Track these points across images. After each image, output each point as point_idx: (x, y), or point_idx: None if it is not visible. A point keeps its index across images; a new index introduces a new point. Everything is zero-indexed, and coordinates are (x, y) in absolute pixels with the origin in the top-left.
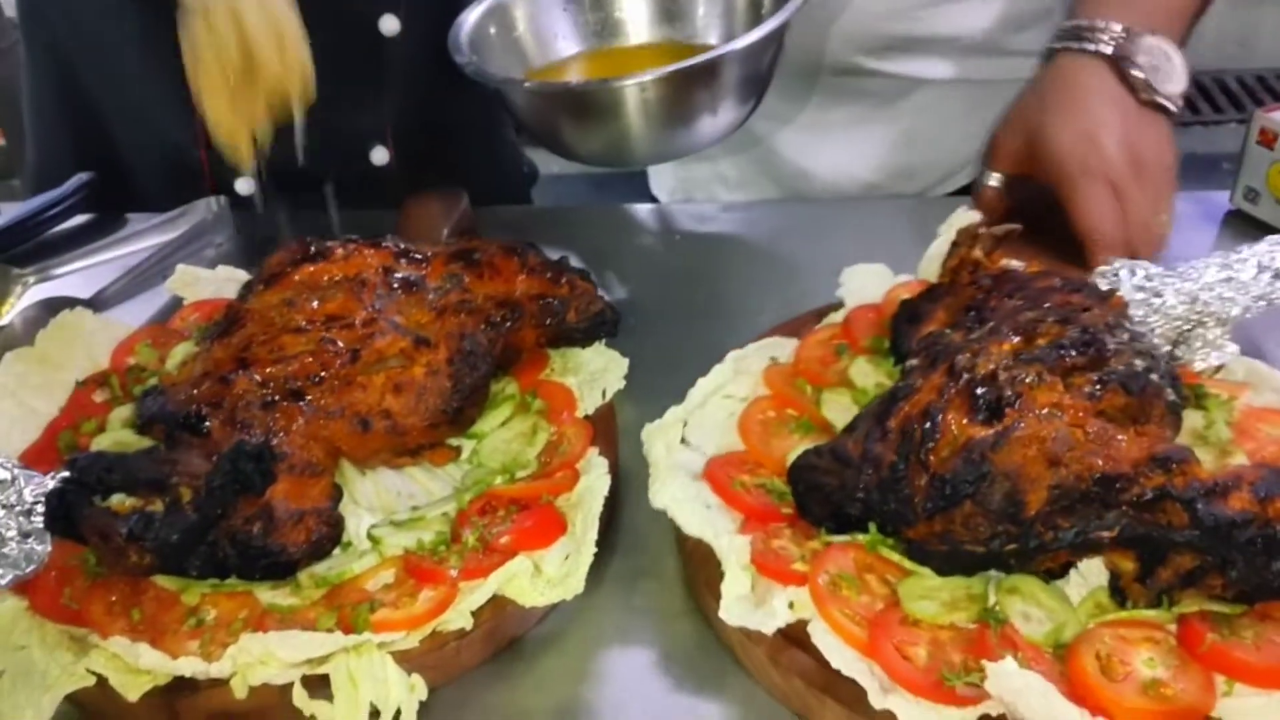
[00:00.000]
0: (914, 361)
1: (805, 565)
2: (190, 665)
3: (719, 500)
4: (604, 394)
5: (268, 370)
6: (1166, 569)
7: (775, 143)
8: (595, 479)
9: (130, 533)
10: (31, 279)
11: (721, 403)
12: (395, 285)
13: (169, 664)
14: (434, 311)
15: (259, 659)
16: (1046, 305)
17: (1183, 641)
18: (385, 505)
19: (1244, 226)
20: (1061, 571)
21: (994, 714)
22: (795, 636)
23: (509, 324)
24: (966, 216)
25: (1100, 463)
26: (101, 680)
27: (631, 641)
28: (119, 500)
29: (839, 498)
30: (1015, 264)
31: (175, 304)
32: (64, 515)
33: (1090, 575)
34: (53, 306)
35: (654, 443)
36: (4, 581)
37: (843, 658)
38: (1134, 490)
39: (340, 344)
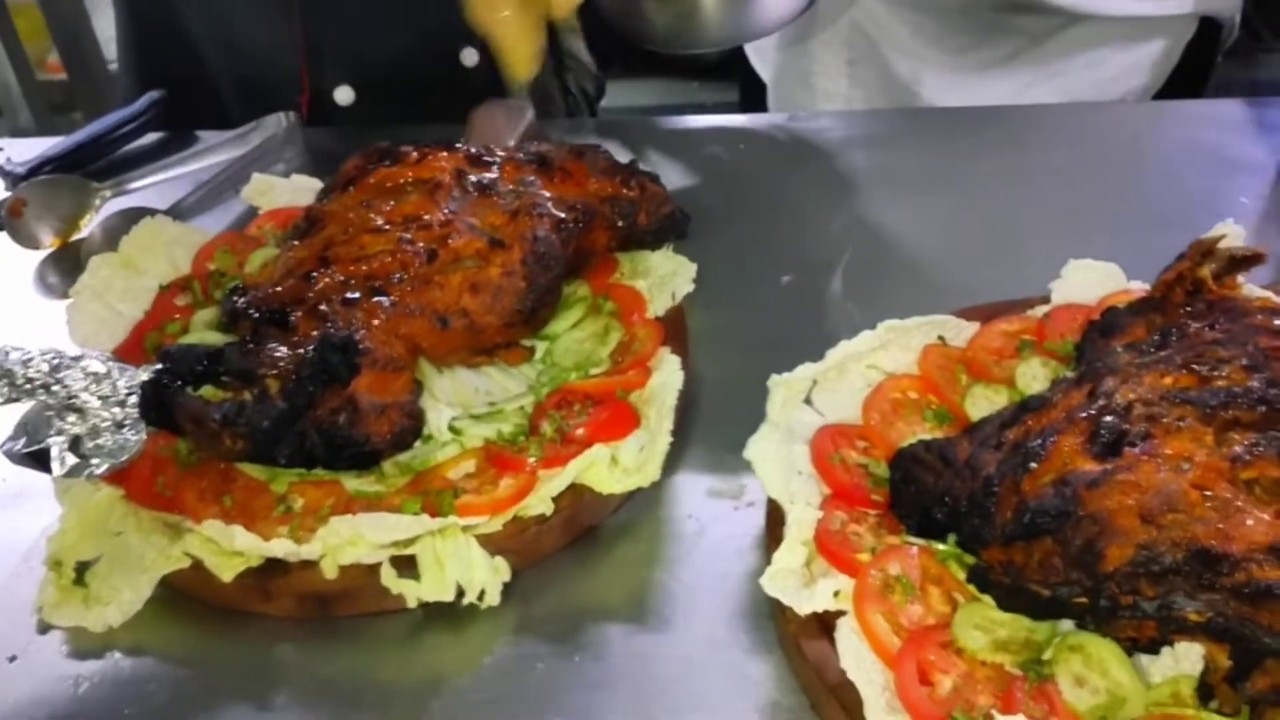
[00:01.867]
0: (1070, 375)
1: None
2: (282, 547)
3: (813, 469)
4: (674, 297)
5: (349, 268)
6: (1263, 677)
7: (920, 85)
8: (668, 374)
9: (224, 418)
10: (108, 193)
11: (864, 372)
12: (469, 188)
13: (262, 545)
14: (507, 214)
15: (348, 540)
16: (1245, 345)
17: None
18: (464, 401)
19: None
20: (1151, 647)
21: None
22: (829, 626)
23: (580, 226)
24: (1231, 229)
25: (1203, 535)
26: (196, 563)
27: (704, 530)
28: (209, 391)
29: (929, 498)
30: (1256, 293)
31: (251, 213)
32: (158, 404)
33: (1184, 661)
34: (132, 216)
35: (774, 395)
36: (101, 470)
37: (857, 661)
38: (1238, 576)
39: (418, 244)
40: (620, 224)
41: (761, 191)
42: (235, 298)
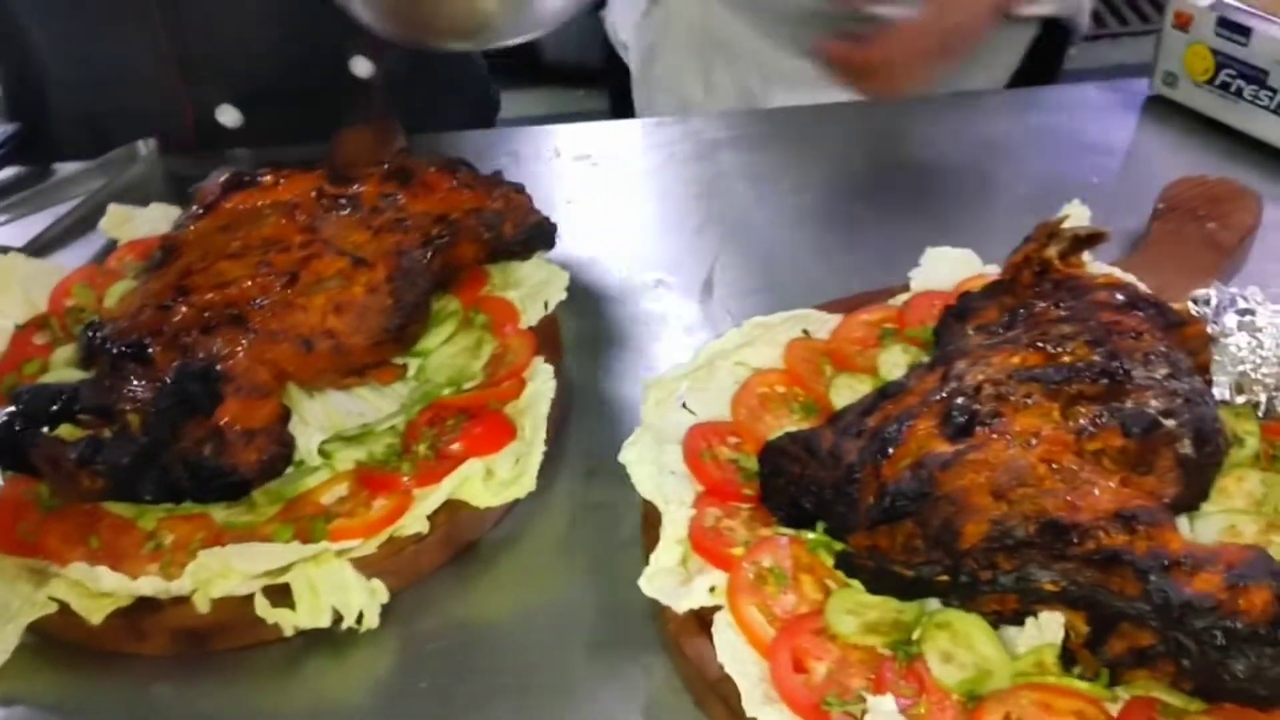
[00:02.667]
0: (926, 360)
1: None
2: (151, 584)
3: (686, 468)
4: (546, 306)
5: (207, 296)
6: (1120, 641)
7: (771, 90)
8: (542, 384)
9: (80, 458)
10: None
11: (732, 369)
12: (330, 208)
13: (129, 585)
14: (370, 231)
15: (218, 573)
16: (1087, 321)
17: None
18: (335, 424)
19: (1165, 112)
20: (1015, 619)
21: None
22: (708, 622)
23: (446, 240)
24: (1077, 210)
25: (1052, 506)
26: (64, 607)
27: (586, 540)
28: (69, 431)
29: (797, 489)
30: (1102, 270)
31: (111, 246)
32: (12, 447)
33: (1047, 631)
34: None
35: (647, 397)
36: None
37: (732, 655)
38: (1087, 545)
39: (278, 267)
40: (487, 236)
41: (630, 196)
42: (91, 333)
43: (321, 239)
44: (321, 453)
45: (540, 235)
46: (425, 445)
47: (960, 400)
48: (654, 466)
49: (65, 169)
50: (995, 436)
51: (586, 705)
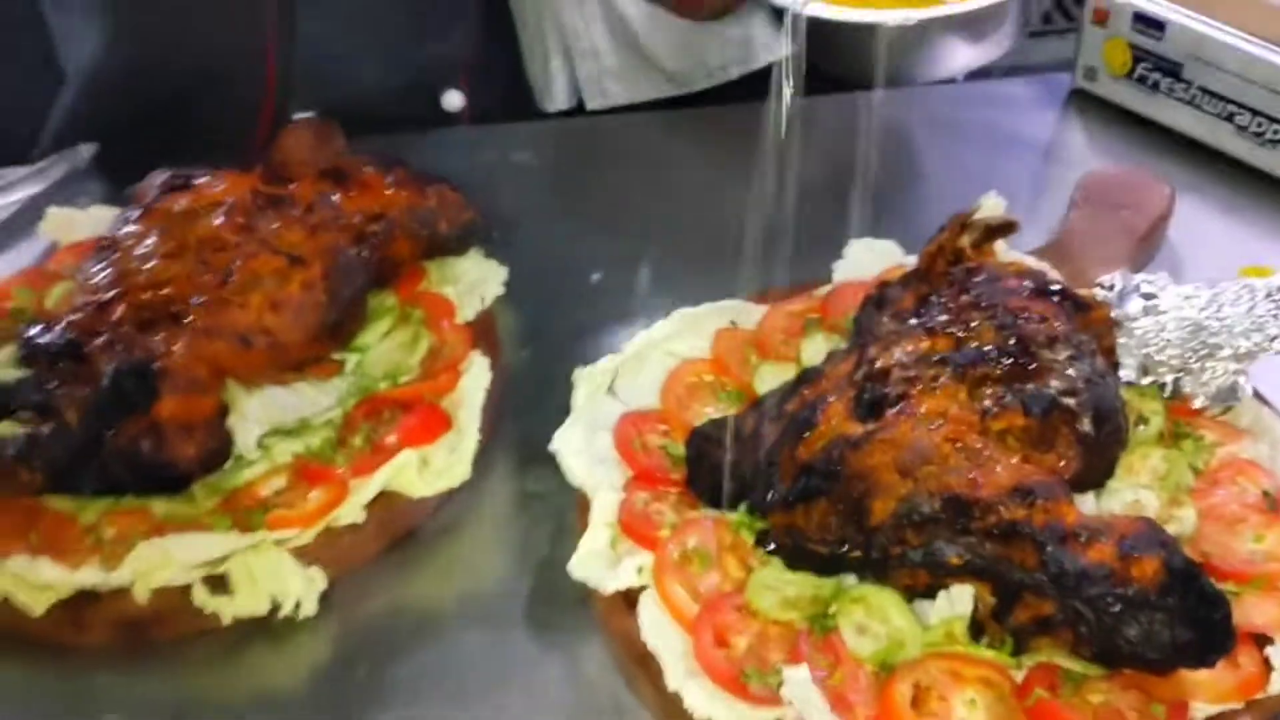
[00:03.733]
0: (842, 348)
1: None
2: (91, 576)
3: (616, 455)
4: (483, 300)
5: (144, 296)
6: (1024, 611)
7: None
8: (477, 376)
9: (17, 454)
10: None
11: (662, 359)
12: (265, 207)
13: (70, 576)
14: (306, 230)
15: (157, 564)
16: (996, 306)
17: (1018, 692)
18: (274, 419)
19: (1086, 105)
20: (928, 593)
21: None
22: (635, 602)
23: (381, 237)
24: (992, 203)
25: (955, 483)
26: (5, 600)
27: (523, 528)
28: (9, 428)
29: (721, 472)
30: (1013, 258)
31: (51, 249)
32: None
33: (959, 603)
34: None
35: (579, 387)
36: None
37: (658, 633)
38: (989, 520)
39: (215, 266)
40: (422, 233)
41: (568, 193)
42: (28, 335)
43: (258, 238)
44: (260, 446)
45: (475, 231)
46: (361, 437)
47: (871, 384)
48: (586, 455)
49: (2, 173)
50: (903, 418)
51: (522, 687)
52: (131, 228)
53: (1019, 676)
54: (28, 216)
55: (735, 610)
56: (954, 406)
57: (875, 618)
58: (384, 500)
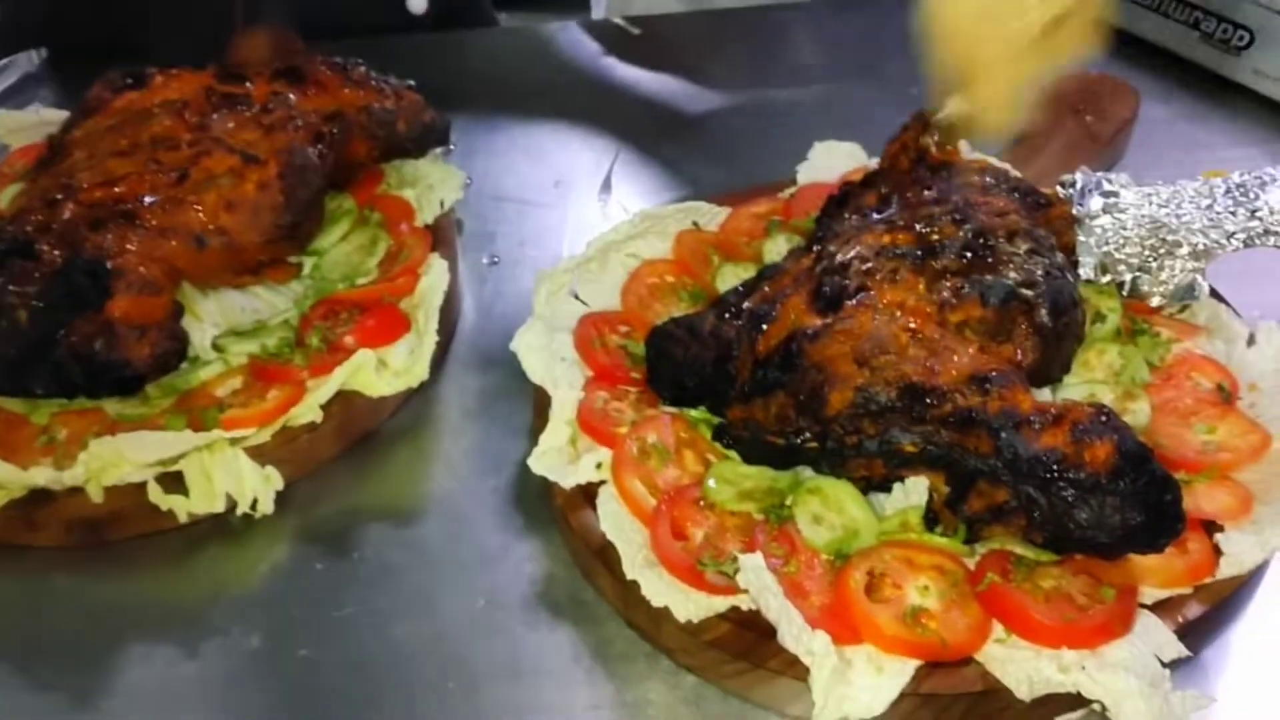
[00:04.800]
0: (798, 246)
1: None
2: (43, 474)
3: (576, 355)
4: (442, 204)
5: (96, 194)
6: (978, 499)
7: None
8: (435, 278)
9: None
10: None
11: (624, 261)
12: (220, 106)
13: (21, 475)
14: (261, 129)
15: (111, 462)
16: (958, 202)
17: (971, 578)
18: (230, 320)
19: None
20: (883, 485)
21: (747, 608)
22: (594, 497)
23: (338, 136)
24: (956, 103)
25: (912, 372)
26: None
27: (481, 428)
28: None
29: (681, 370)
30: (979, 159)
31: (3, 152)
32: None
33: (914, 494)
34: None
35: (539, 288)
36: None
37: (616, 525)
38: (945, 408)
39: (168, 166)
40: (379, 133)
41: (530, 100)
42: None
43: (212, 137)
44: (215, 347)
45: (432, 133)
46: (318, 338)
47: (831, 278)
48: (545, 354)
49: None
50: (862, 309)
51: (480, 580)
52: (82, 127)
53: (972, 564)
54: None
55: (693, 503)
56: (912, 298)
57: (831, 508)
58: (342, 400)
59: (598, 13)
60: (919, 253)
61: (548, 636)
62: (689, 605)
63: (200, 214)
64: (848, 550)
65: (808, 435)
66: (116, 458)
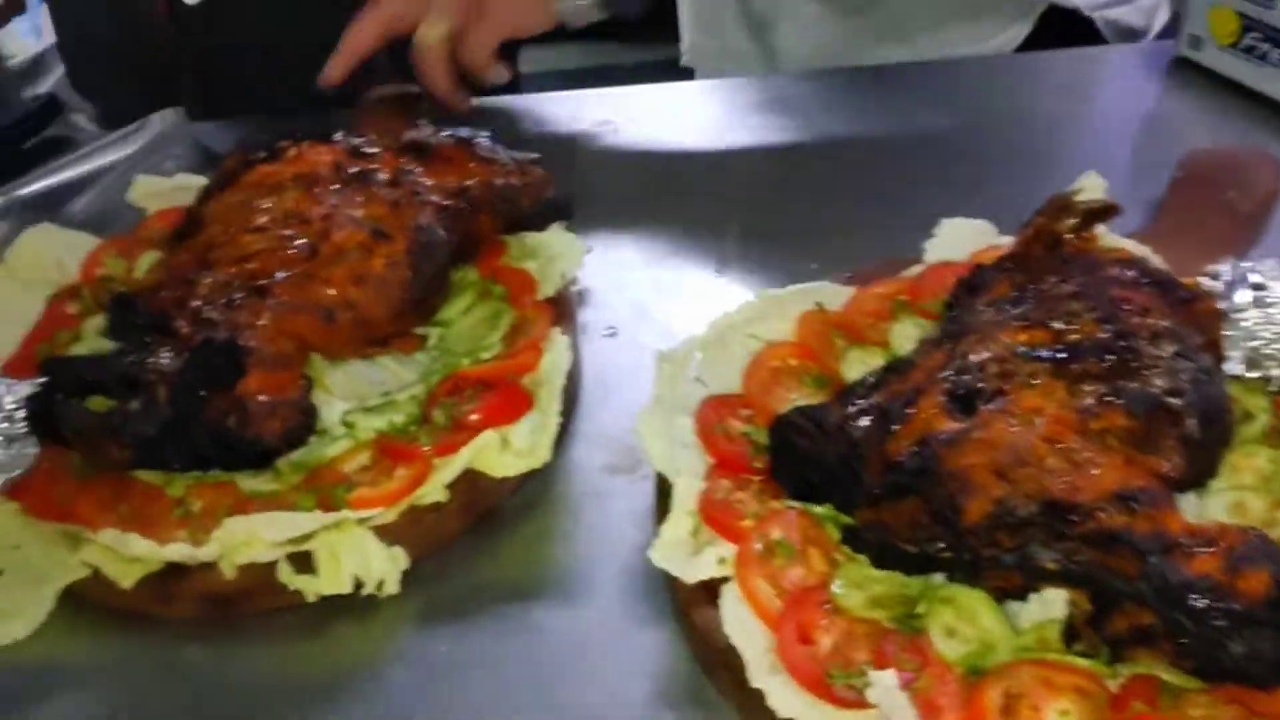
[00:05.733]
0: (933, 335)
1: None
2: (179, 551)
3: (697, 440)
4: (563, 276)
5: (230, 269)
6: (1121, 619)
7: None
8: (557, 355)
9: (110, 428)
10: None
11: (744, 342)
12: (349, 180)
13: (159, 551)
14: (389, 204)
15: (244, 540)
16: (1097, 297)
17: (1114, 703)
18: (358, 393)
19: (1190, 76)
20: (1020, 594)
21: None
22: (717, 593)
23: (463, 212)
24: (1092, 183)
25: (1052, 486)
26: (96, 571)
27: (601, 509)
28: (99, 401)
29: (805, 463)
30: (1116, 243)
31: (139, 216)
32: (44, 417)
33: (1053, 606)
34: (18, 224)
35: (661, 370)
36: None
37: (740, 626)
38: (1088, 525)
39: (299, 240)
40: (503, 208)
41: (645, 167)
42: (117, 308)
43: (341, 212)
44: (344, 423)
45: (556, 208)
46: (443, 414)
47: (964, 378)
48: (666, 438)
49: (88, 137)
50: (999, 415)
51: (600, 671)
52: (216, 199)
53: (1114, 686)
54: (115, 182)
55: (819, 607)
56: (1051, 404)
57: (965, 619)
58: (466, 478)
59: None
60: (1058, 354)
61: None
62: (818, 718)
63: (330, 289)
64: (983, 665)
65: (941, 544)
66: (250, 536)
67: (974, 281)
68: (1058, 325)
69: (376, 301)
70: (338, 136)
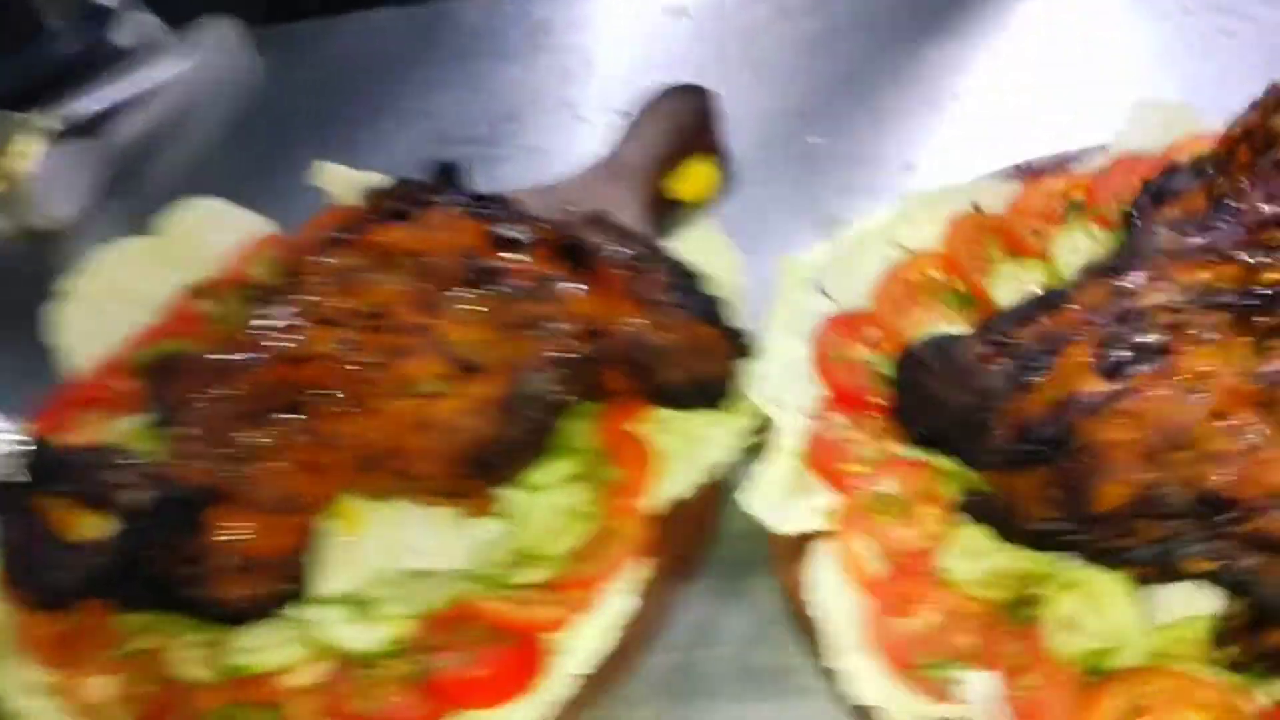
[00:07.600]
0: (1099, 260)
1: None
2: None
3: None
4: (702, 473)
5: (278, 370)
6: (1278, 632)
7: None
8: (602, 617)
9: (53, 559)
10: (45, 123)
11: (885, 251)
12: (473, 280)
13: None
14: (498, 327)
15: None
16: None
17: None
18: (384, 551)
19: None
20: (1163, 580)
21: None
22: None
23: (587, 363)
24: None
25: (1215, 476)
26: None
27: None
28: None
29: (933, 408)
30: None
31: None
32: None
33: (1202, 600)
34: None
35: (786, 279)
36: None
37: (826, 592)
38: (1250, 524)
39: (369, 350)
40: (643, 372)
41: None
42: (154, 372)
43: (432, 330)
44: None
45: (708, 392)
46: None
47: (1123, 328)
48: (779, 363)
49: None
50: (1157, 379)
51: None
52: (323, 259)
53: (1253, 707)
54: (180, 109)
55: (924, 576)
56: (1228, 369)
57: (1090, 609)
58: None
59: None
60: (1245, 300)
61: (751, 709)
62: (898, 708)
63: (377, 428)
64: (1104, 667)
65: (1066, 527)
66: None
67: (1162, 187)
68: (1253, 260)
69: (432, 455)
70: (491, 208)
